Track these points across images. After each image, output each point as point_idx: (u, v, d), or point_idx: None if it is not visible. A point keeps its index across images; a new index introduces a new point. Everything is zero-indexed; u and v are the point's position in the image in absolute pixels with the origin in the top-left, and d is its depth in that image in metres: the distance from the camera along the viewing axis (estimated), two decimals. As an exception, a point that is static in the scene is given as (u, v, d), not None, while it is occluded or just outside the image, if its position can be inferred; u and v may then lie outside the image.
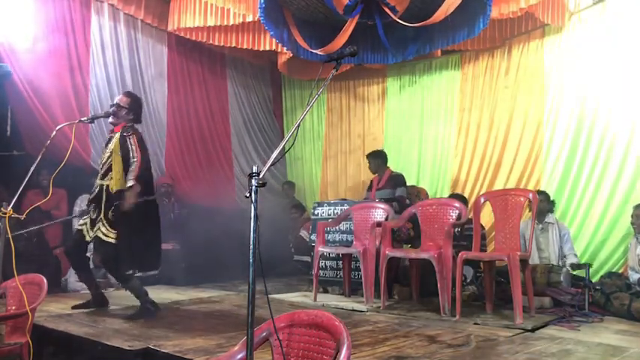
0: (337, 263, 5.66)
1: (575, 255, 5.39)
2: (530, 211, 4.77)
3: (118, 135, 4.27)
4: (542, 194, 5.49)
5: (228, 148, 7.93)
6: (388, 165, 6.35)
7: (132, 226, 4.12)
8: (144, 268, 4.54)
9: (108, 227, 4.10)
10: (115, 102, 4.39)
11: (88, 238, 4.26)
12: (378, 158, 6.32)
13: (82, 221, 4.38)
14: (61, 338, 3.63)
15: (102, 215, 4.13)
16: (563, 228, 5.51)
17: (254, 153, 8.23)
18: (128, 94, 4.53)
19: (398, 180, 6.19)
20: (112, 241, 4.10)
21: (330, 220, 5.63)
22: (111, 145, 4.27)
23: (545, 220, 5.48)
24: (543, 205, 5.39)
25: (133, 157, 4.17)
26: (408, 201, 6.06)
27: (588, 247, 5.79)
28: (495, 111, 6.93)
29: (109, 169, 4.19)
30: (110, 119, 4.35)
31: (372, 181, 6.48)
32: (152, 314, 4.18)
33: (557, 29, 6.37)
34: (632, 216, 5.04)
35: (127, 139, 4.23)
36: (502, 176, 6.77)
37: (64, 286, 5.65)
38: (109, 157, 4.23)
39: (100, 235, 4.11)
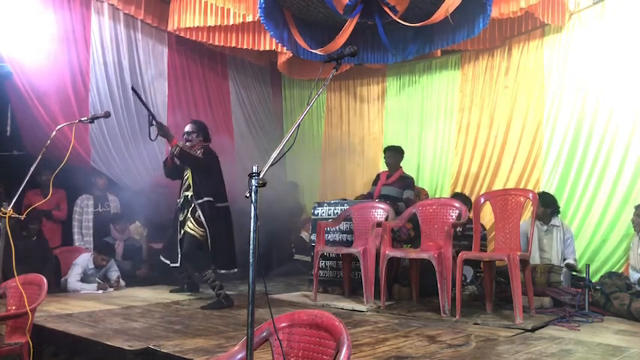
0: (337, 263, 5.66)
1: (575, 259, 5.38)
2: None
3: None
4: (545, 197, 5.43)
5: (231, 148, 7.92)
6: (401, 165, 6.30)
7: (211, 228, 4.93)
8: (220, 266, 5.08)
9: (194, 224, 4.93)
10: (185, 131, 5.17)
11: (179, 236, 5.08)
12: (398, 154, 6.24)
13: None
14: (61, 338, 3.63)
15: (189, 214, 4.96)
16: (567, 232, 5.45)
17: (256, 153, 8.23)
18: (193, 121, 5.33)
19: (408, 182, 6.13)
20: (196, 234, 4.91)
21: (330, 220, 5.63)
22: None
23: (551, 222, 5.44)
24: (540, 210, 5.31)
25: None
26: None
27: (588, 247, 5.79)
28: (495, 111, 6.93)
29: (190, 185, 5.05)
30: (187, 144, 5.09)
31: (378, 176, 6.37)
32: (224, 306, 4.72)
33: (557, 29, 6.38)
34: (634, 215, 5.03)
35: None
36: (502, 176, 6.77)
37: (63, 286, 5.64)
38: (187, 175, 5.08)
39: (188, 230, 4.94)
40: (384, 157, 6.31)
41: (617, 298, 4.42)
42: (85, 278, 5.69)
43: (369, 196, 6.16)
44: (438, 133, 7.47)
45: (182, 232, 5.01)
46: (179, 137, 5.20)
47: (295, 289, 5.85)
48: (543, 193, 5.64)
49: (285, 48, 6.46)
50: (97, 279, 5.74)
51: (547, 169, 6.36)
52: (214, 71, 7.88)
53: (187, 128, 5.19)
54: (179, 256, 5.10)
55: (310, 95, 2.20)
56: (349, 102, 8.45)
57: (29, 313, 2.87)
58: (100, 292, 5.61)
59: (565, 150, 6.20)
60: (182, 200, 5.11)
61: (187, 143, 5.10)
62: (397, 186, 6.06)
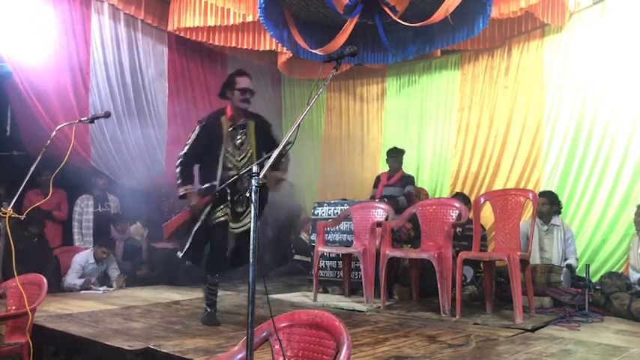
0: (337, 263, 5.65)
1: (577, 259, 5.37)
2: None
3: (252, 123, 4.04)
4: (547, 196, 5.44)
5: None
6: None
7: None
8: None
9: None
10: (244, 87, 3.94)
11: (230, 231, 3.95)
12: (401, 156, 6.37)
13: (220, 213, 3.94)
14: (61, 338, 3.63)
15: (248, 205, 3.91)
16: (568, 231, 5.44)
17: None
18: (245, 72, 4.07)
19: (409, 180, 6.28)
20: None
21: (330, 220, 5.63)
22: (249, 136, 4.02)
23: (551, 222, 5.44)
24: (546, 207, 5.35)
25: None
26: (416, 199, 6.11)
27: (588, 247, 5.79)
28: (495, 111, 6.93)
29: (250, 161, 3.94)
30: (243, 105, 3.96)
31: (378, 177, 6.46)
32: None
33: (557, 29, 6.38)
34: (635, 215, 5.02)
35: (272, 133, 4.12)
36: (502, 176, 6.77)
37: (63, 286, 5.64)
38: (249, 148, 4.01)
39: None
40: (389, 160, 6.36)
41: (617, 298, 4.42)
42: (84, 276, 5.69)
43: (371, 200, 6.18)
44: (438, 133, 7.47)
45: (240, 227, 3.99)
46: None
47: (295, 289, 5.85)
48: (549, 191, 5.65)
49: (285, 48, 6.46)
50: (87, 277, 5.69)
51: (547, 169, 6.36)
52: (214, 71, 7.87)
53: (246, 84, 3.96)
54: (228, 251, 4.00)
55: (310, 95, 2.20)
56: (349, 102, 8.45)
57: (29, 313, 2.87)
58: (101, 290, 5.60)
59: (565, 150, 6.19)
60: (246, 184, 3.86)
61: (244, 105, 3.97)
62: (399, 185, 6.17)
